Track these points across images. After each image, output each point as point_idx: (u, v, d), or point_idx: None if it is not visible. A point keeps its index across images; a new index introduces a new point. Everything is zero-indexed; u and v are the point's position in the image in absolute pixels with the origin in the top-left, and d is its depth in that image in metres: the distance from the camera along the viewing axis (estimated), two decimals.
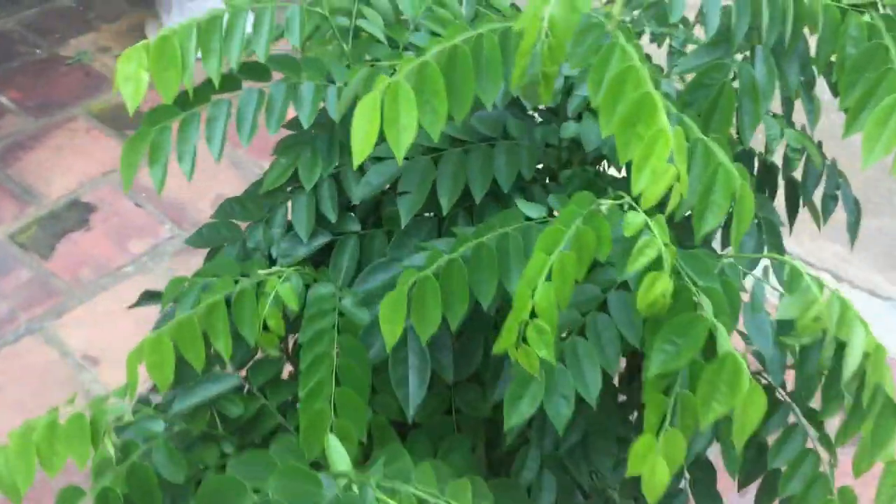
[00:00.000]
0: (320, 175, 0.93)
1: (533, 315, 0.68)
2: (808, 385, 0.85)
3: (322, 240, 0.94)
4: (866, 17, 0.86)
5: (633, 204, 0.70)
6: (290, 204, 0.96)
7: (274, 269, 0.83)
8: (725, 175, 0.73)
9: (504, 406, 0.78)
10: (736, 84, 0.88)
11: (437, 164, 0.90)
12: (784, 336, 0.77)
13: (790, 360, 0.87)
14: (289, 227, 0.95)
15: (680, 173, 0.68)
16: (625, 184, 0.92)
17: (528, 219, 0.81)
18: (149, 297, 1.22)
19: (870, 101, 0.83)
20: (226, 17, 0.87)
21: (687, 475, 0.94)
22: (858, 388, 0.77)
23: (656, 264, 0.67)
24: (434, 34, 0.98)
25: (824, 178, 1.03)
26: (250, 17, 0.86)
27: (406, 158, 0.90)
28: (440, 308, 0.76)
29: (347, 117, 0.90)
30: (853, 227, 1.05)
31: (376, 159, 0.93)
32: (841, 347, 0.76)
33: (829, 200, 1.03)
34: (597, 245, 0.71)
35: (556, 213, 0.81)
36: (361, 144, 0.72)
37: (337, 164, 0.94)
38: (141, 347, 0.84)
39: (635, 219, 0.69)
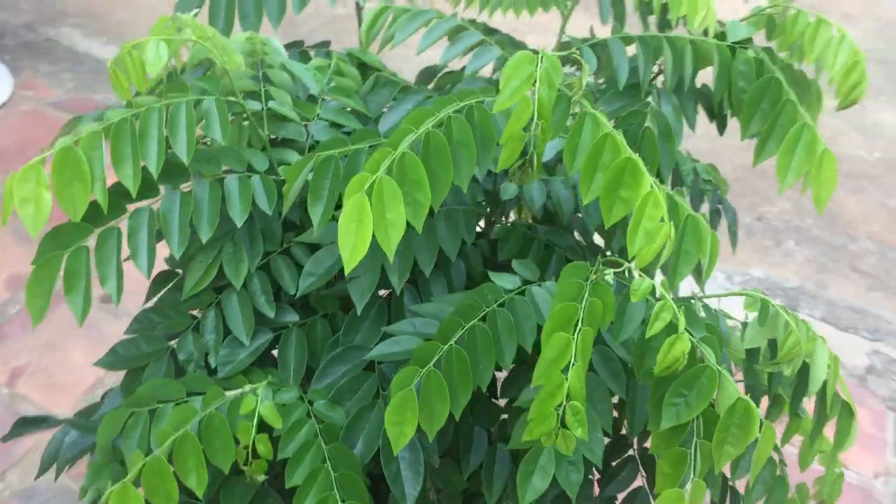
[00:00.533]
0: (248, 270, 0.87)
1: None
2: (755, 395, 0.92)
3: (264, 338, 0.88)
4: (750, 53, 0.93)
5: (632, 268, 0.72)
6: (216, 306, 0.88)
7: (248, 387, 0.76)
8: (694, 224, 0.77)
9: (517, 485, 0.77)
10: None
11: None
12: (758, 364, 0.82)
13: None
14: (226, 332, 0.87)
15: (670, 231, 0.70)
16: (559, 234, 0.94)
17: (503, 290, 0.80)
18: (24, 424, 1.08)
19: (774, 131, 0.90)
20: (135, 119, 0.78)
21: None
22: (821, 397, 0.84)
23: (672, 327, 0.69)
24: (327, 102, 0.94)
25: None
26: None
27: None
28: (448, 402, 0.74)
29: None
30: (734, 236, 1.14)
31: (308, 246, 0.88)
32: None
33: (715, 215, 1.11)
34: (602, 314, 0.72)
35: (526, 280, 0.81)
36: (353, 250, 0.68)
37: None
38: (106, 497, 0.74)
39: (641, 284, 0.70)
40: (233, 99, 0.82)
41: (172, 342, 0.88)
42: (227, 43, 0.82)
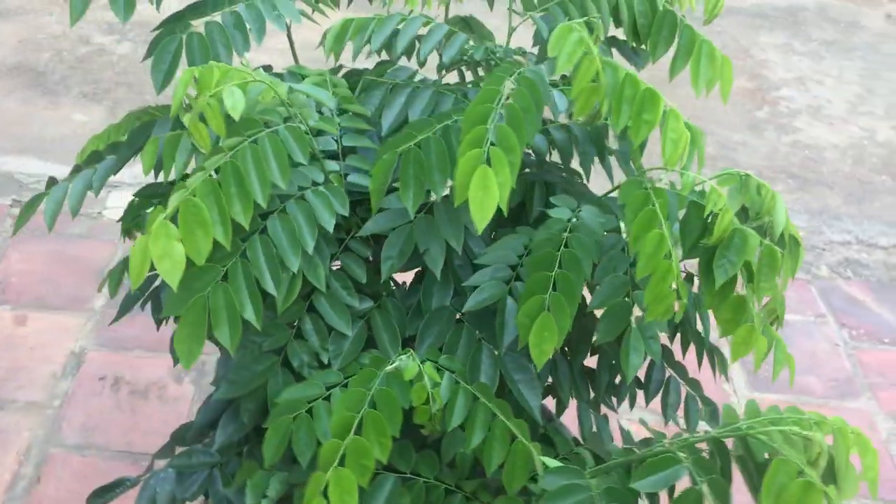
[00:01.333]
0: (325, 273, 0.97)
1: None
2: None
3: (358, 325, 0.98)
4: None
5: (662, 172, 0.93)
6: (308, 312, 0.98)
7: (401, 358, 0.87)
8: (691, 130, 0.99)
9: (621, 368, 0.96)
10: None
11: (434, 215, 1.00)
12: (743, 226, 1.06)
13: None
14: (328, 330, 0.97)
15: (688, 136, 0.92)
16: (548, 173, 1.13)
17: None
18: (99, 494, 1.11)
19: (679, 50, 1.15)
20: (233, 160, 0.86)
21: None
22: (780, 237, 1.10)
23: (722, 204, 0.91)
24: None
25: None
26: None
27: (409, 222, 0.99)
28: (568, 316, 0.90)
29: None
30: None
31: (361, 239, 1.00)
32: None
33: None
34: (666, 209, 0.92)
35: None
36: (483, 213, 0.83)
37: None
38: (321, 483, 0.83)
39: (689, 179, 0.91)
40: (293, 124, 0.92)
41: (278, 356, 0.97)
42: (270, 78, 0.91)
